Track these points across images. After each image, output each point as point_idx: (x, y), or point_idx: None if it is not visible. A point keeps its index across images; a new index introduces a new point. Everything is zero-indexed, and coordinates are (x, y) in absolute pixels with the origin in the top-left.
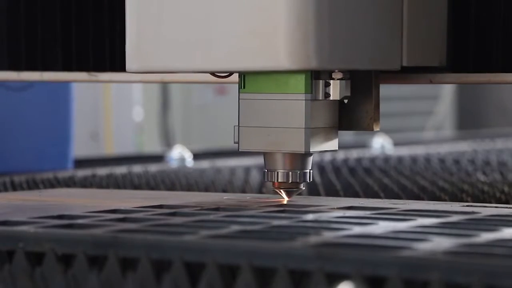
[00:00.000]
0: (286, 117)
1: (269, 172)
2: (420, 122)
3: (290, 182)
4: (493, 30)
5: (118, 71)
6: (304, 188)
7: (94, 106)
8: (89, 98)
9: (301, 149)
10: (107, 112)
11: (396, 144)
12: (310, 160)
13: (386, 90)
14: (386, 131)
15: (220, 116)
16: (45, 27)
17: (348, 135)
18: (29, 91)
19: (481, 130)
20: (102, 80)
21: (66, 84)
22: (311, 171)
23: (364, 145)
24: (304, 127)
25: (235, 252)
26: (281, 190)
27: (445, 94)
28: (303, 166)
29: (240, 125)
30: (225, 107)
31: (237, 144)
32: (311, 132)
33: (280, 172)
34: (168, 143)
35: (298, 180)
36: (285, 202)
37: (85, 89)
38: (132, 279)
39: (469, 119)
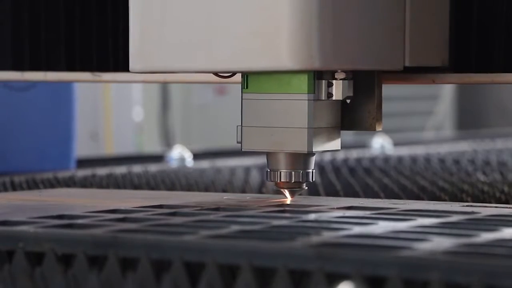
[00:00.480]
0: (289, 117)
1: (272, 172)
2: (420, 122)
3: (292, 182)
4: (495, 30)
5: (121, 71)
6: (306, 187)
7: (94, 106)
8: (89, 98)
9: (304, 149)
10: (107, 112)
11: (396, 144)
12: (313, 160)
13: (386, 90)
14: (386, 131)
15: (220, 116)
16: (49, 27)
17: (348, 135)
18: (31, 91)
19: (481, 130)
20: (106, 80)
21: (68, 84)
22: (314, 170)
23: (364, 145)
24: (307, 127)
25: (235, 252)
26: (285, 190)
27: (445, 94)
28: (305, 165)
29: (243, 125)
30: (225, 107)
31: (238, 144)
32: (314, 132)
33: (283, 172)
34: (168, 143)
35: (300, 180)
36: (288, 202)
37: (85, 89)
38: (132, 279)
39: (469, 119)
